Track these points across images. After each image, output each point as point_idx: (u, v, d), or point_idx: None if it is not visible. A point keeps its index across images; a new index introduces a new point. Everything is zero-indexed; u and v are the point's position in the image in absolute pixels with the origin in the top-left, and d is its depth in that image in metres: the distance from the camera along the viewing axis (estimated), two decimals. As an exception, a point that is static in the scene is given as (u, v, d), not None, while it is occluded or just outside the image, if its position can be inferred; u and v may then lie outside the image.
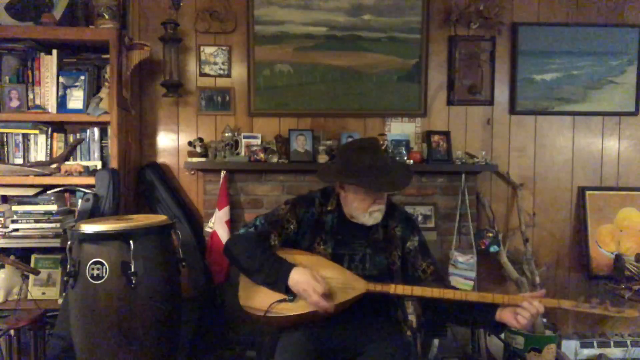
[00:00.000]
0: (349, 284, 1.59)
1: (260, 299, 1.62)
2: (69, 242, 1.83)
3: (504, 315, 1.48)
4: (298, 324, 1.59)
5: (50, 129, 2.51)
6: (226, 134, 2.70)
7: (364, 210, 1.67)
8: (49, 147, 2.52)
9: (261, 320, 1.62)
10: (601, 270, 2.88)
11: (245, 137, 2.77)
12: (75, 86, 2.46)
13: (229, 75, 2.86)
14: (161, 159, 2.89)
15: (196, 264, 2.63)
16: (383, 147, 2.69)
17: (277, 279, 1.58)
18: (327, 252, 1.70)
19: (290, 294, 1.58)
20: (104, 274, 1.76)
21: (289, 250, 1.70)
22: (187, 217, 2.73)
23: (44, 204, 2.37)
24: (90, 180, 2.35)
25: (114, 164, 2.43)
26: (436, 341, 2.53)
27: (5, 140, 2.50)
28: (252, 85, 2.84)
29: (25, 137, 2.50)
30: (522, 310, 1.44)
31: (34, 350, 2.15)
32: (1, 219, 2.38)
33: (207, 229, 2.66)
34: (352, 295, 1.57)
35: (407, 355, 1.56)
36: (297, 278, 1.56)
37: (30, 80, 2.47)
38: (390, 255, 1.72)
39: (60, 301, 2.32)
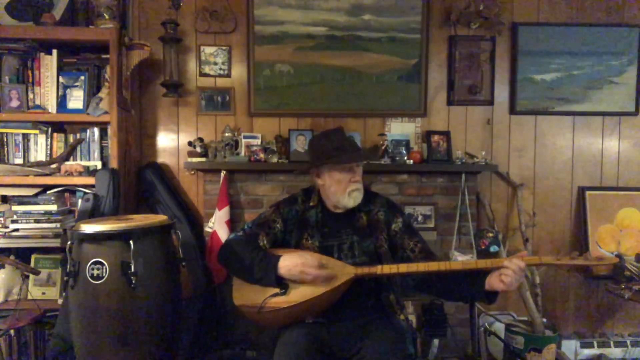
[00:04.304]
0: (338, 272, 1.62)
1: (253, 297, 1.65)
2: (69, 242, 1.83)
3: (492, 282, 1.52)
4: (293, 316, 1.63)
5: (50, 129, 2.51)
6: (226, 134, 2.70)
7: (343, 192, 1.74)
8: (49, 147, 2.52)
9: (256, 318, 1.66)
10: (601, 270, 2.88)
11: (245, 137, 2.78)
12: (75, 86, 2.46)
13: (229, 75, 2.86)
14: (161, 159, 2.89)
15: (196, 264, 2.63)
16: (383, 147, 2.70)
17: (267, 272, 1.63)
18: (315, 245, 1.75)
19: (283, 287, 1.62)
20: (104, 274, 1.76)
21: (278, 249, 1.74)
22: (187, 217, 2.72)
23: (44, 204, 2.37)
24: (90, 180, 2.35)
25: (114, 164, 2.43)
26: (436, 341, 2.53)
27: (5, 140, 2.50)
28: (252, 85, 2.84)
29: (25, 137, 2.50)
30: (504, 270, 1.49)
31: (34, 350, 2.15)
32: (1, 219, 2.37)
33: (207, 229, 2.66)
34: (341, 281, 1.60)
35: (403, 343, 1.61)
36: (287, 264, 1.61)
37: (30, 80, 2.47)
38: (377, 240, 1.77)
39: (60, 301, 2.32)
